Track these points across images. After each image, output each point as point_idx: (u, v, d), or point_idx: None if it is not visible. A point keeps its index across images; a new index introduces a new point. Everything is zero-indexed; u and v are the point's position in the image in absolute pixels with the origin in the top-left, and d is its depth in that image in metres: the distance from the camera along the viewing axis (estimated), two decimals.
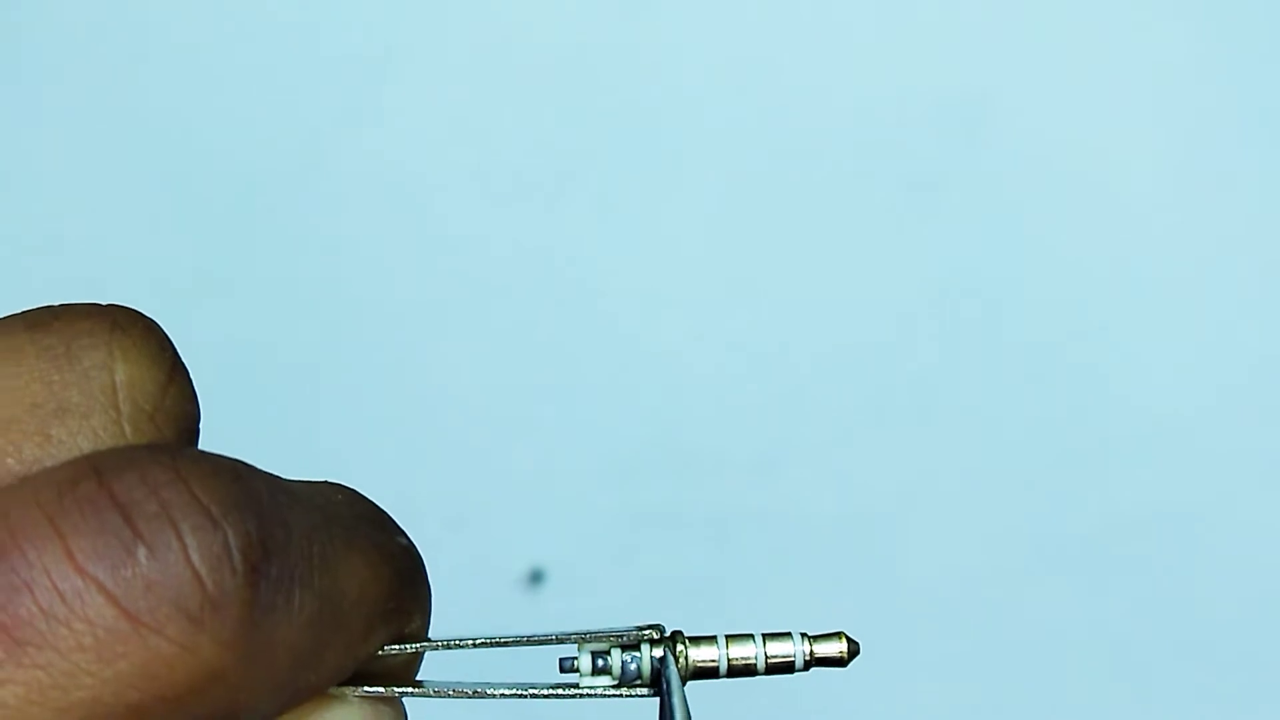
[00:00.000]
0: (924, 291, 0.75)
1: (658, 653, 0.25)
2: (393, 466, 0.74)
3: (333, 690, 0.24)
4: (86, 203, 0.77)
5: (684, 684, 0.25)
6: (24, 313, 0.24)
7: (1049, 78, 0.77)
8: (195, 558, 0.21)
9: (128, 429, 0.23)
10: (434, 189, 0.77)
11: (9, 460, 0.22)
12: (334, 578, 0.23)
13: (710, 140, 0.77)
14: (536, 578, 0.74)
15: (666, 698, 0.24)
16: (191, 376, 0.25)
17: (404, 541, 0.25)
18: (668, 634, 0.25)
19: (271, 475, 0.23)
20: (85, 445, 0.22)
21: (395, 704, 0.25)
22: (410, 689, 0.25)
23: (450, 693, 0.25)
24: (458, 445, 0.74)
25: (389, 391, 0.75)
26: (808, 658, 0.25)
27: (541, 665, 0.28)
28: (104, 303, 0.25)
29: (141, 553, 0.21)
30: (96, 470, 0.21)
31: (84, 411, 0.23)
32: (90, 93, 0.78)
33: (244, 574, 0.21)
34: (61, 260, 0.76)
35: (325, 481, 0.24)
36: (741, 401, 0.75)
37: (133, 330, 0.24)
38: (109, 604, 0.20)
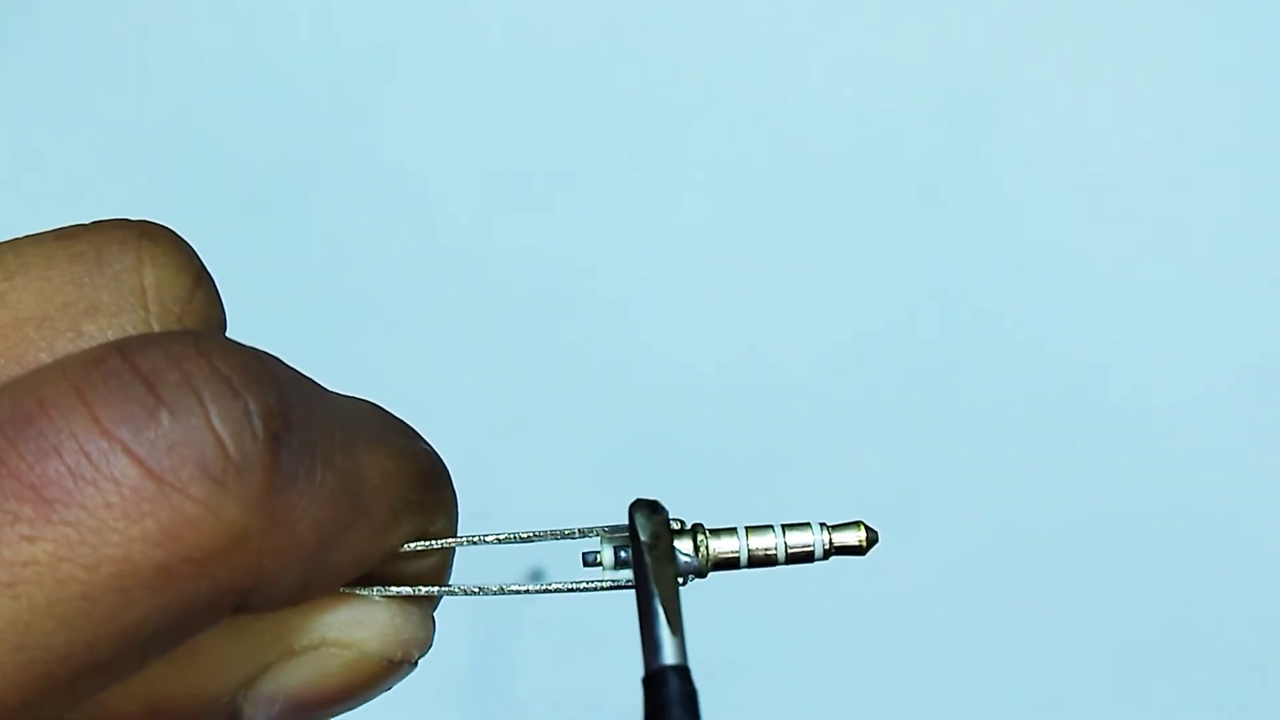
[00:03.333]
0: (924, 291, 0.76)
1: (681, 545, 0.25)
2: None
3: (358, 590, 0.24)
4: (85, 203, 0.77)
5: (705, 575, 0.25)
6: (52, 229, 0.25)
7: (1050, 77, 0.77)
8: (217, 422, 0.21)
9: (156, 327, 0.24)
10: (434, 189, 0.77)
11: (42, 355, 0.23)
12: (356, 462, 0.23)
13: (711, 140, 0.77)
14: (536, 578, 0.74)
15: (642, 575, 0.24)
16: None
17: (427, 447, 0.26)
18: (688, 526, 0.25)
19: (298, 370, 0.24)
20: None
21: (423, 605, 0.25)
22: (435, 588, 0.25)
23: (475, 590, 0.26)
24: (457, 445, 0.74)
25: (388, 391, 0.75)
26: (827, 546, 0.26)
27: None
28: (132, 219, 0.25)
29: (164, 416, 0.21)
30: (121, 349, 0.22)
31: (114, 310, 0.23)
32: (89, 91, 0.78)
33: (265, 440, 0.22)
34: None
35: (356, 396, 0.25)
36: (741, 401, 0.75)
37: (160, 239, 0.25)
38: (133, 463, 0.21)
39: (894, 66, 0.77)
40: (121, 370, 0.21)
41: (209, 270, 0.25)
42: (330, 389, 0.24)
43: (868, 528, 0.26)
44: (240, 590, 0.22)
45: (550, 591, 0.25)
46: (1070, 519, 0.73)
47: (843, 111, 0.77)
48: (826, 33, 0.78)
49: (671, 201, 0.77)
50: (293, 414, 0.22)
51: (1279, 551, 0.72)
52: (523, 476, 0.74)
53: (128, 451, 0.21)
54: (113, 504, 0.21)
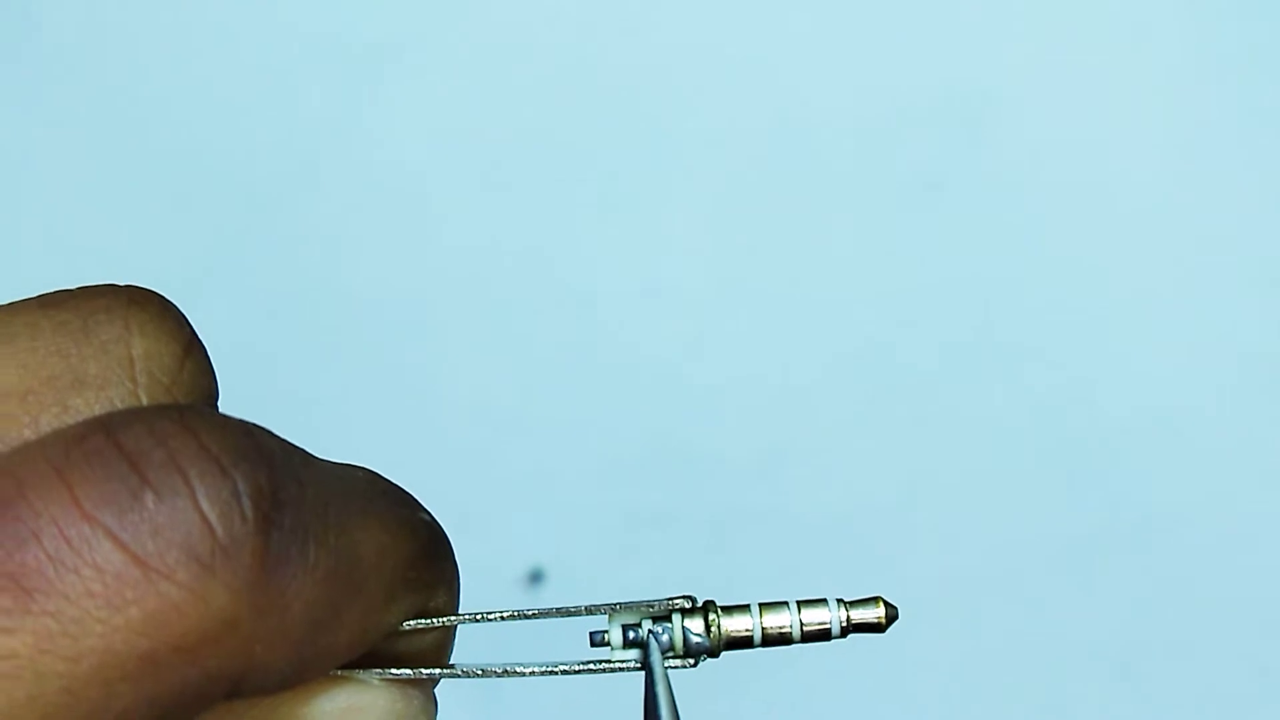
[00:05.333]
0: (924, 291, 0.75)
1: (694, 625, 0.24)
2: (392, 467, 0.73)
3: (356, 674, 0.24)
4: (84, 203, 0.77)
5: (718, 655, 0.24)
6: (36, 296, 0.24)
7: (1051, 77, 0.77)
8: (204, 503, 0.20)
9: (144, 400, 0.23)
10: (434, 189, 0.77)
11: (26, 431, 0.22)
12: (351, 539, 0.22)
13: (710, 140, 0.77)
14: (536, 578, 0.74)
15: (650, 679, 0.24)
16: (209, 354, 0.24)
17: (426, 517, 0.24)
18: (699, 603, 0.25)
19: (289, 442, 0.23)
20: None
21: (424, 687, 0.24)
22: (436, 670, 0.24)
23: (479, 672, 0.25)
24: (458, 445, 0.74)
25: (388, 392, 0.75)
26: (844, 624, 0.25)
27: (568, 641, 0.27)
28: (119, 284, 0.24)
29: (149, 498, 0.20)
30: (105, 425, 0.21)
31: (101, 383, 0.23)
32: (87, 91, 0.77)
33: (255, 521, 0.21)
34: (60, 260, 0.76)
35: (350, 463, 0.24)
36: (741, 401, 0.75)
37: (149, 306, 0.24)
38: (117, 549, 0.20)
39: (895, 66, 0.77)
40: (105, 449, 0.20)
41: (200, 337, 0.24)
42: (323, 450, 0.23)
43: (887, 604, 0.25)
44: (231, 677, 0.21)
45: (557, 674, 0.25)
46: (1070, 519, 0.73)
47: (843, 111, 0.77)
48: (828, 33, 0.77)
49: (671, 201, 0.77)
50: (284, 492, 0.21)
51: (1279, 551, 0.72)
52: (523, 477, 0.74)
53: (111, 536, 0.20)
54: (95, 592, 0.20)
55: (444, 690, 0.25)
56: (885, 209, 0.76)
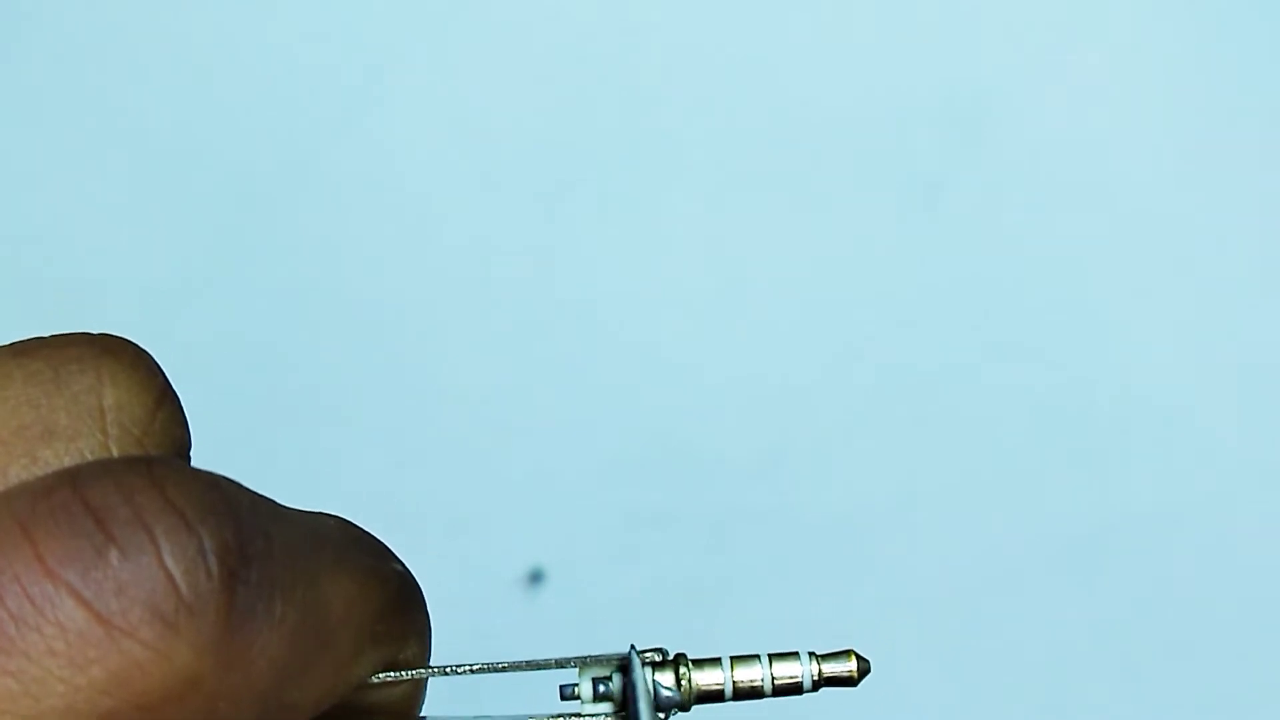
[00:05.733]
0: (924, 291, 0.75)
1: (664, 679, 0.24)
2: (392, 468, 0.74)
3: None
4: (84, 203, 0.77)
5: (688, 709, 0.24)
6: (10, 343, 0.24)
7: (1051, 77, 0.76)
8: (169, 560, 0.20)
9: (115, 452, 0.23)
10: (434, 189, 0.77)
11: None
12: (319, 592, 0.22)
13: (709, 140, 0.77)
14: (536, 578, 0.74)
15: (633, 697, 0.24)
16: (182, 403, 0.24)
17: (398, 567, 0.24)
18: (670, 657, 0.25)
19: (257, 493, 0.22)
20: None
21: None
22: None
23: None
24: (457, 446, 0.74)
25: (388, 392, 0.75)
26: (816, 678, 0.25)
27: (543, 687, 0.27)
28: (94, 331, 0.24)
29: (114, 555, 0.20)
30: (72, 478, 0.21)
31: (71, 434, 0.22)
32: (86, 92, 0.77)
33: (220, 577, 0.20)
34: (60, 260, 0.76)
35: (319, 512, 0.24)
36: (741, 401, 0.75)
37: (122, 355, 0.23)
38: (80, 607, 0.20)
39: (894, 67, 0.77)
40: (71, 504, 0.20)
41: (173, 387, 0.24)
42: (292, 507, 0.23)
43: (859, 657, 0.25)
44: None
45: None
46: (1069, 519, 0.73)
47: (842, 111, 0.76)
48: (827, 33, 0.77)
49: (671, 201, 0.77)
50: (250, 547, 0.21)
51: (1279, 551, 0.72)
52: (523, 477, 0.74)
53: (74, 594, 0.20)
54: (58, 651, 0.20)
55: None
56: (885, 209, 0.76)
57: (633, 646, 0.24)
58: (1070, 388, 0.74)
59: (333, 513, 0.24)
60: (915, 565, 0.73)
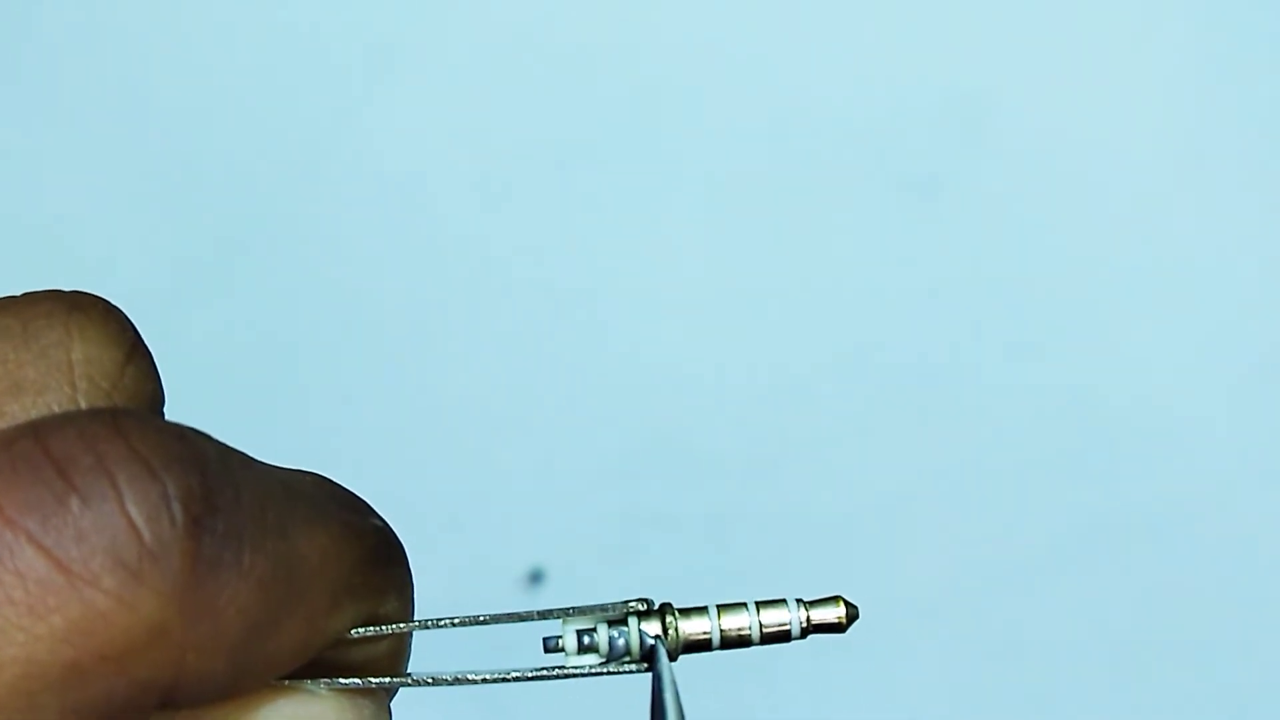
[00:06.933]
0: (923, 290, 0.75)
1: (649, 628, 0.24)
2: (392, 467, 0.74)
3: (304, 683, 0.23)
4: (86, 203, 0.77)
5: (675, 659, 0.24)
6: None
7: (1049, 76, 0.76)
8: (131, 508, 0.20)
9: (83, 405, 0.22)
10: (433, 189, 0.77)
11: None
12: (291, 544, 0.22)
13: (709, 140, 0.77)
14: (536, 578, 0.74)
15: (658, 685, 0.23)
16: (155, 358, 0.24)
17: (377, 523, 0.24)
18: (655, 606, 0.24)
19: (228, 446, 0.22)
20: None
21: (376, 697, 0.24)
22: (385, 678, 0.24)
23: (429, 680, 0.24)
24: (457, 445, 0.74)
25: (388, 392, 0.75)
26: (804, 625, 0.24)
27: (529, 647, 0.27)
28: (65, 289, 0.24)
29: (74, 502, 0.20)
30: (34, 429, 0.21)
31: (39, 388, 0.22)
32: (86, 92, 0.77)
33: (184, 525, 0.20)
34: (59, 261, 0.76)
35: (297, 469, 0.24)
36: (741, 401, 0.75)
37: (91, 311, 0.23)
38: (39, 554, 0.20)
39: (893, 65, 0.77)
40: (32, 453, 0.20)
41: (145, 342, 0.24)
42: (268, 462, 0.23)
43: (847, 603, 0.25)
44: (162, 686, 0.21)
45: (509, 680, 0.24)
46: (1069, 519, 0.73)
47: (842, 110, 0.76)
48: (826, 32, 0.77)
49: (670, 200, 0.77)
50: (217, 496, 0.21)
51: (1278, 551, 0.72)
52: (523, 476, 0.74)
53: (33, 542, 0.20)
54: (16, 600, 0.19)
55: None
56: (885, 209, 0.76)
57: (633, 610, 0.24)
58: (1070, 387, 0.74)
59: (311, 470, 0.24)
60: (915, 565, 0.73)
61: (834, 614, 0.25)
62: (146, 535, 0.20)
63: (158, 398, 0.23)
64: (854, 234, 0.76)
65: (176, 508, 0.20)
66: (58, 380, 0.22)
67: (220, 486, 0.21)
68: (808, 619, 0.25)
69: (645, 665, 0.24)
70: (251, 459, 0.22)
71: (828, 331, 0.75)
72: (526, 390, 0.75)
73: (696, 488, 0.74)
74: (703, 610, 0.24)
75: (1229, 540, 0.72)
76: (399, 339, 0.75)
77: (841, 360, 0.74)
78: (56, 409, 0.22)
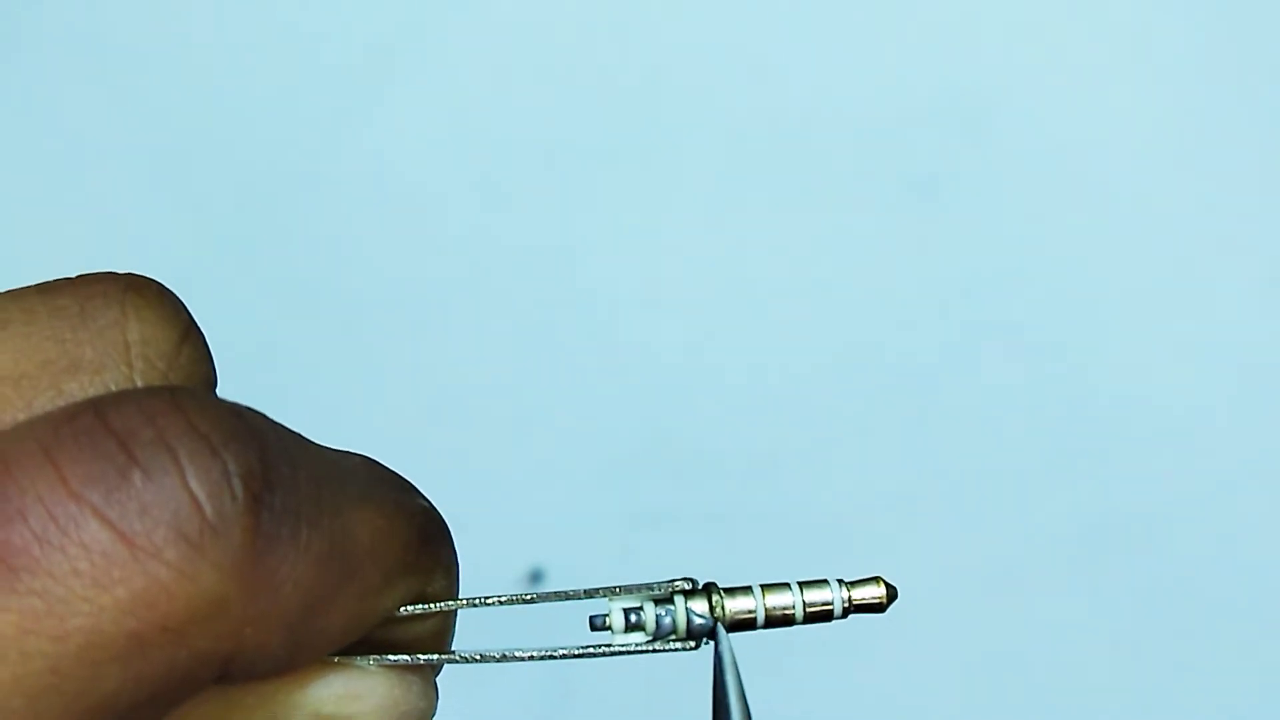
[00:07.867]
0: (924, 291, 0.75)
1: (697, 606, 0.24)
2: (391, 466, 0.74)
3: (354, 659, 0.23)
4: (87, 203, 0.77)
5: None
6: (37, 284, 0.24)
7: (1050, 76, 0.77)
8: (193, 482, 0.20)
9: (140, 384, 0.23)
10: (433, 188, 0.77)
11: (19, 414, 0.22)
12: (345, 522, 0.22)
13: (710, 140, 0.77)
14: (536, 578, 0.73)
15: (719, 663, 0.23)
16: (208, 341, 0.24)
17: (424, 503, 0.24)
18: (700, 585, 0.25)
19: (283, 425, 0.22)
20: None
21: (423, 674, 0.24)
22: (434, 655, 0.24)
23: (477, 657, 0.24)
24: (457, 445, 0.74)
25: (388, 391, 0.75)
26: (846, 604, 0.25)
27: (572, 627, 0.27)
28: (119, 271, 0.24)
29: (137, 476, 0.20)
30: (95, 406, 0.21)
31: (96, 367, 0.22)
32: (89, 91, 0.77)
33: (245, 501, 0.20)
34: (59, 261, 0.75)
35: (346, 450, 0.24)
36: (741, 401, 0.75)
37: (146, 292, 0.24)
38: (104, 527, 0.20)
39: (894, 65, 0.77)
40: (94, 428, 0.20)
41: (198, 323, 0.24)
42: (321, 443, 0.23)
43: (887, 584, 0.25)
44: (220, 659, 0.21)
45: (557, 658, 0.24)
46: (1070, 519, 0.73)
47: (842, 110, 0.77)
48: (827, 32, 0.78)
49: (671, 200, 0.77)
50: (275, 473, 0.21)
51: (1278, 550, 0.72)
52: (523, 477, 0.74)
53: (98, 515, 0.20)
54: (82, 571, 0.20)
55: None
56: (885, 208, 0.76)
57: (679, 589, 0.24)
58: (1070, 386, 0.74)
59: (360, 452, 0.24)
60: (915, 564, 0.73)
61: (874, 594, 0.25)
62: (208, 510, 0.20)
63: (211, 379, 0.24)
64: (854, 234, 0.76)
65: (237, 484, 0.20)
66: (114, 360, 0.22)
67: (278, 464, 0.21)
68: (849, 598, 0.25)
69: (692, 644, 0.24)
70: (305, 439, 0.22)
71: (828, 331, 0.75)
72: (527, 390, 0.75)
73: (696, 487, 0.74)
74: (747, 590, 0.25)
75: (1229, 540, 0.72)
76: (399, 339, 0.75)
77: (842, 360, 0.75)
78: (114, 388, 0.22)
